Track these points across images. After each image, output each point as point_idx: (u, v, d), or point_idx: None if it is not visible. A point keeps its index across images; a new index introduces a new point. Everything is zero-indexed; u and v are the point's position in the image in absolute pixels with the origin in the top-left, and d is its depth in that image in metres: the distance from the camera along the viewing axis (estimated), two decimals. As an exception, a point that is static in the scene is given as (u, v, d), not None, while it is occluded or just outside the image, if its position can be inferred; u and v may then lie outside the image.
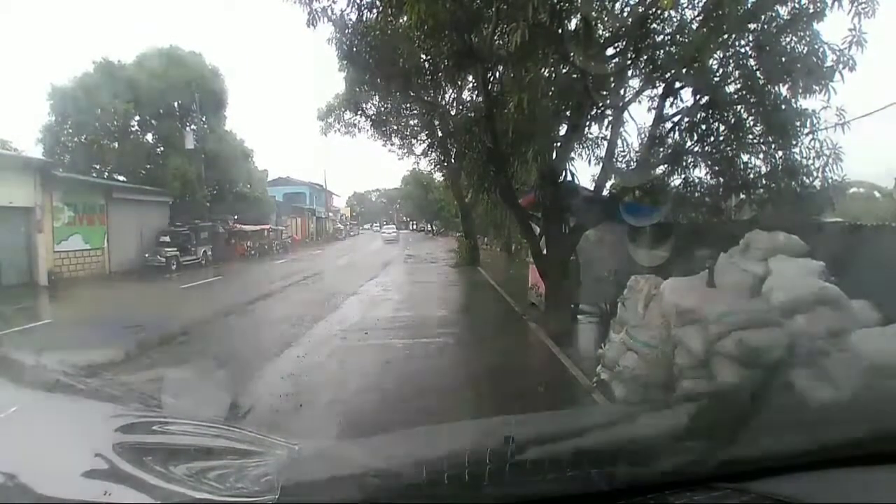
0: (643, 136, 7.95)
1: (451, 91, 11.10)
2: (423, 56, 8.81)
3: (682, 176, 8.18)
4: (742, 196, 7.86)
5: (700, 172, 8.14)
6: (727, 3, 5.82)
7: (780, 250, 4.45)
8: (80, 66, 32.98)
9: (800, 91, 6.58)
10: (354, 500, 0.88)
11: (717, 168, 7.84)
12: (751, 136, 7.54)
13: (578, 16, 6.51)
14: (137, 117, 22.74)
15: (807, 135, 6.96)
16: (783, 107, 6.89)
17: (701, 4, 6.77)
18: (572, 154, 8.42)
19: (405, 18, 7.08)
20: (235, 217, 26.56)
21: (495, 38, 7.10)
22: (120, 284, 16.26)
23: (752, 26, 6.62)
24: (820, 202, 7.07)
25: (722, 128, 7.58)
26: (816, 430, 1.23)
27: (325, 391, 5.25)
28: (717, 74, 7.11)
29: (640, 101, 7.90)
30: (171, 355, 6.63)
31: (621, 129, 7.80)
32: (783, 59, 6.51)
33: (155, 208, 21.28)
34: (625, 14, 7.02)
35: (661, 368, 4.30)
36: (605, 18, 7.13)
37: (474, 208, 21.15)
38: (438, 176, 29.17)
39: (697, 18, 6.83)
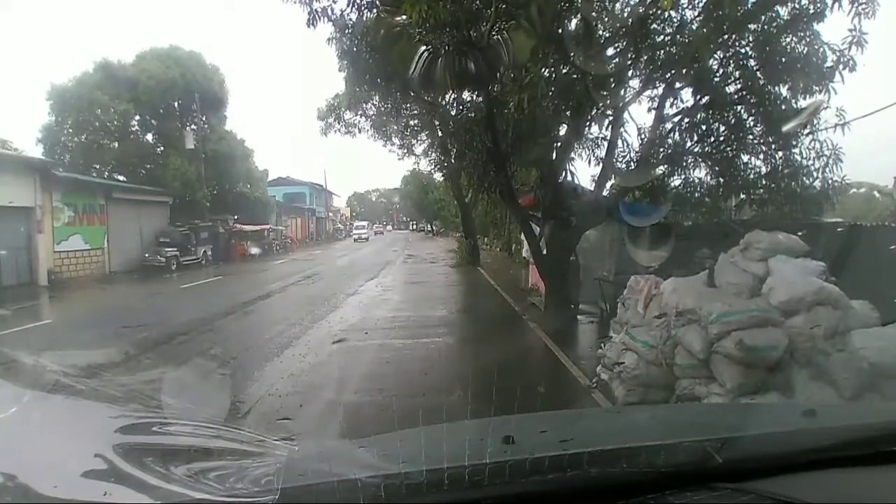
0: (643, 136, 7.95)
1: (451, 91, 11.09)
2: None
3: (682, 176, 8.18)
4: (742, 196, 7.86)
5: (700, 173, 8.15)
6: (727, 3, 5.82)
7: (780, 250, 4.45)
8: (80, 66, 33.06)
9: (800, 91, 6.59)
10: (354, 500, 0.88)
11: (717, 168, 7.84)
12: (751, 137, 7.54)
13: (578, 16, 6.51)
14: (137, 117, 22.78)
15: (807, 135, 6.97)
16: (783, 107, 6.90)
17: (701, 4, 6.77)
18: (572, 154, 8.43)
19: (405, 18, 7.07)
20: (235, 217, 26.55)
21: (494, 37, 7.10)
22: (120, 284, 16.27)
23: (752, 26, 6.63)
24: (820, 202, 7.08)
25: (722, 128, 7.59)
26: (816, 430, 1.23)
27: (325, 391, 5.24)
28: (717, 74, 7.11)
29: (640, 101, 7.91)
30: (171, 355, 6.62)
31: (621, 129, 7.81)
32: (783, 60, 6.51)
33: (155, 208, 21.28)
34: (625, 14, 7.03)
35: (661, 368, 4.30)
36: (605, 18, 7.13)
37: (474, 208, 21.11)
38: (438, 176, 29.12)
39: (697, 18, 6.83)
